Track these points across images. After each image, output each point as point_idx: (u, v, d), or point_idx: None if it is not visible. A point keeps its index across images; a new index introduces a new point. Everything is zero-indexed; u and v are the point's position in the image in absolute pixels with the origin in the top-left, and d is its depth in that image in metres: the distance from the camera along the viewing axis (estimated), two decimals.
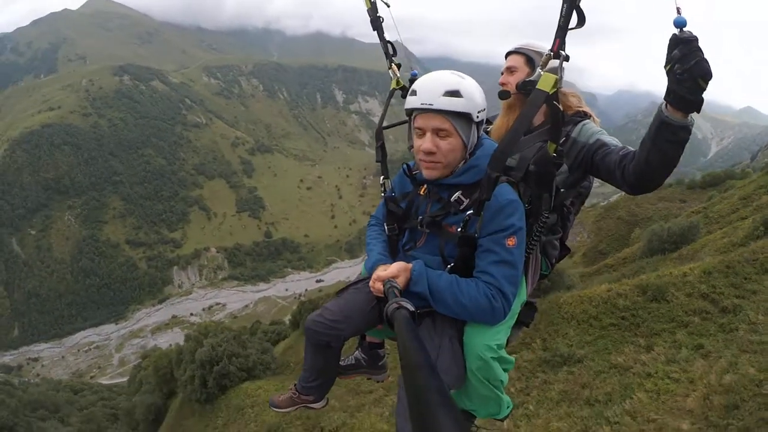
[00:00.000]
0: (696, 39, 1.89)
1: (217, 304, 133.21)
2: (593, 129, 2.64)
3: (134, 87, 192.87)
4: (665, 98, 2.04)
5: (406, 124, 2.45)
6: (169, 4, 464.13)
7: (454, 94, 2.17)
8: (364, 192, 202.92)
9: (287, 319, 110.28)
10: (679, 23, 1.87)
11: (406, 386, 1.05)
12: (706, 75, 1.89)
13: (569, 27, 2.05)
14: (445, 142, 2.23)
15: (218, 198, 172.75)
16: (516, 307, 2.43)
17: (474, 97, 2.22)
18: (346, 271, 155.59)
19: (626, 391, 9.32)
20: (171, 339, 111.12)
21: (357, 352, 3.22)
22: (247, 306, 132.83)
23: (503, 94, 2.73)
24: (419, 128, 2.26)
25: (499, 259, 2.23)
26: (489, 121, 2.98)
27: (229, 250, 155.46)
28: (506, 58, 2.83)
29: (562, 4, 2.01)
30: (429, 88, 2.20)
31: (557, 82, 2.15)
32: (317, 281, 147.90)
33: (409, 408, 0.97)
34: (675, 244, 20.43)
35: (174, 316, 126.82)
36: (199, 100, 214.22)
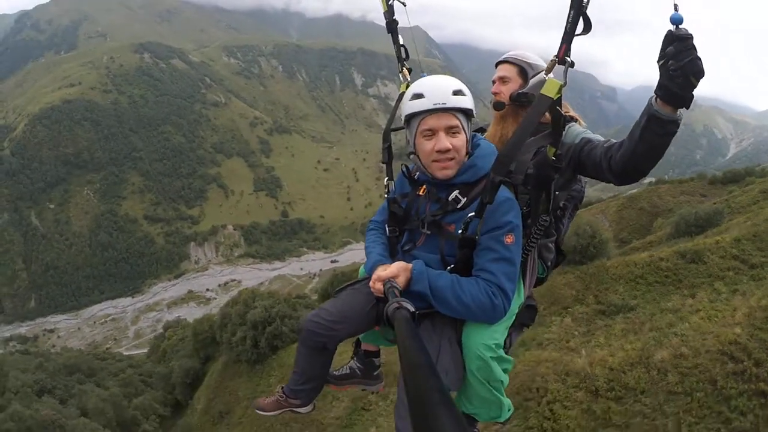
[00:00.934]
0: (691, 37, 1.91)
1: (233, 280, 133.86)
2: (578, 129, 2.68)
3: (154, 65, 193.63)
4: (656, 92, 2.07)
5: (407, 131, 2.44)
6: None
7: (460, 92, 2.26)
8: (381, 175, 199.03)
9: (308, 289, 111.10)
10: (676, 20, 1.89)
11: (407, 386, 1.04)
12: (698, 73, 1.92)
13: (576, 33, 2.08)
14: (457, 139, 2.28)
15: (236, 176, 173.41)
16: (514, 307, 2.45)
17: (470, 94, 2.31)
18: (361, 252, 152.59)
19: (681, 321, 11.17)
20: (187, 313, 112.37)
21: (352, 361, 3.19)
22: (262, 283, 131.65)
23: (498, 105, 2.78)
24: (430, 129, 2.29)
25: (498, 256, 2.26)
26: (482, 129, 3.03)
27: (246, 228, 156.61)
28: (496, 66, 2.87)
29: (569, 11, 2.04)
30: (439, 89, 2.27)
31: (561, 88, 2.19)
32: (332, 261, 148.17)
33: (409, 408, 0.97)
34: (701, 227, 21.69)
35: (190, 291, 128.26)
36: (218, 79, 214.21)
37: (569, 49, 2.16)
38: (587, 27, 2.06)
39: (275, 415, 3.07)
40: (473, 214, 2.25)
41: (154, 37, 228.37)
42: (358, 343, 3.12)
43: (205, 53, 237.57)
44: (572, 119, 2.73)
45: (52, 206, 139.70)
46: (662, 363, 8.95)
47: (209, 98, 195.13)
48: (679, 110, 2.09)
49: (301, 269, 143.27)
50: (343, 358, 3.23)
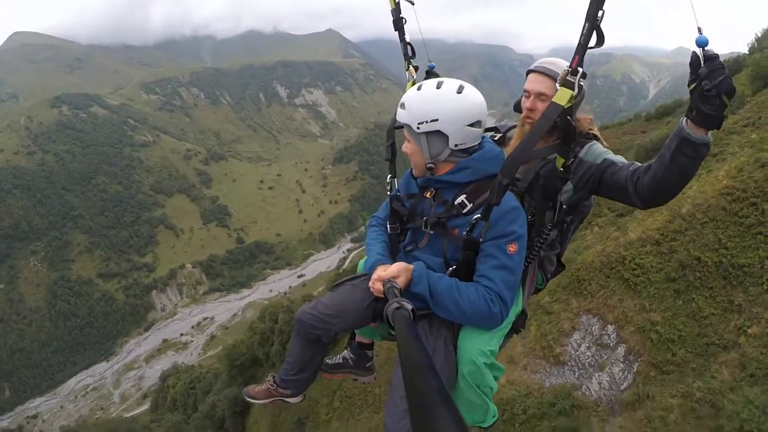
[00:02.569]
0: (718, 56, 1.94)
1: (205, 319, 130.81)
2: (600, 149, 2.64)
3: (74, 116, 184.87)
4: (687, 115, 2.09)
5: None
6: (93, 26, 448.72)
7: (402, 105, 2.36)
8: (326, 182, 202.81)
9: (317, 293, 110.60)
10: (701, 42, 1.92)
11: (407, 386, 1.05)
12: (730, 91, 1.93)
13: (589, 46, 2.12)
14: (408, 146, 2.44)
15: (182, 213, 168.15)
16: (512, 316, 2.47)
17: (414, 109, 2.32)
18: (326, 261, 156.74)
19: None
20: (168, 363, 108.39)
21: (345, 351, 3.25)
22: (235, 315, 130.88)
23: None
24: None
25: (499, 264, 2.26)
26: (496, 129, 3.08)
27: (205, 264, 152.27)
28: (527, 75, 2.82)
29: (584, 23, 2.06)
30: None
31: (573, 98, 2.20)
32: (299, 276, 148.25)
33: (409, 408, 0.98)
34: (658, 150, 23.52)
35: (164, 340, 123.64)
36: (142, 118, 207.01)
37: (582, 61, 2.19)
38: (600, 40, 2.08)
39: (265, 404, 3.13)
40: (479, 216, 2.27)
41: (68, 88, 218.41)
42: (352, 335, 3.22)
43: (123, 94, 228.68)
44: (594, 137, 2.72)
45: (1, 286, 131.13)
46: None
47: (137, 139, 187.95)
48: (710, 132, 2.09)
49: (270, 291, 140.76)
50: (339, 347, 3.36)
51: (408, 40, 3.19)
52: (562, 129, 2.32)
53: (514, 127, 2.98)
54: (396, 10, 3.12)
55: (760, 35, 35.41)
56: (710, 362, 10.35)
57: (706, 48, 1.94)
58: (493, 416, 2.50)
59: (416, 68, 3.14)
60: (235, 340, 46.61)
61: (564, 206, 2.61)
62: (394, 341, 2.55)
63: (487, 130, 2.92)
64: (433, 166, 2.40)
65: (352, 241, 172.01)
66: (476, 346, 2.31)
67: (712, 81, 1.93)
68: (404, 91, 2.81)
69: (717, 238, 12.06)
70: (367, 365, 3.25)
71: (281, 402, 3.08)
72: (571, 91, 2.21)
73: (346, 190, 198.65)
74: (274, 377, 2.98)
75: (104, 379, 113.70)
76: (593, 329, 13.00)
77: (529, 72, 2.81)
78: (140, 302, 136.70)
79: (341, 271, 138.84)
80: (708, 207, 12.80)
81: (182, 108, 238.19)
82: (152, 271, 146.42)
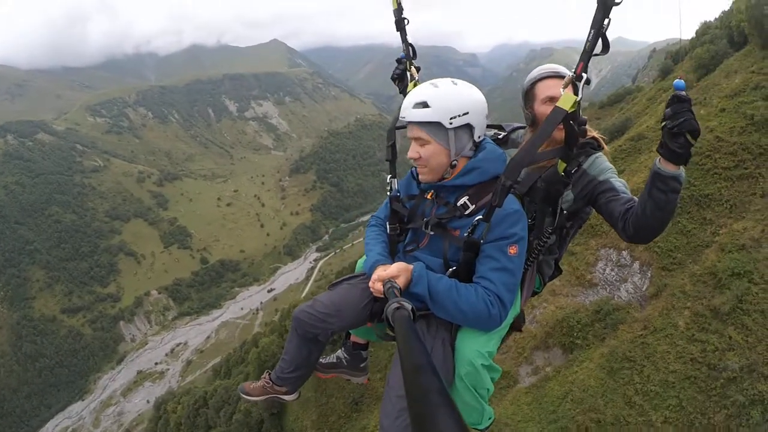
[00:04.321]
0: (690, 100, 2.07)
1: (178, 345, 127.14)
2: (604, 165, 2.71)
3: (20, 145, 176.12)
4: (658, 150, 2.20)
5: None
6: (31, 50, 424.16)
7: (423, 105, 2.30)
8: (285, 194, 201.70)
9: (257, 325, 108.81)
10: (678, 86, 2.08)
11: (407, 387, 1.05)
12: (694, 131, 2.07)
13: (594, 53, 2.18)
14: (424, 149, 2.37)
15: (141, 239, 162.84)
16: (510, 318, 2.49)
17: (444, 105, 2.30)
18: (294, 273, 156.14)
19: None
20: (146, 394, 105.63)
21: (340, 351, 3.29)
22: (209, 337, 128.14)
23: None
24: (410, 138, 2.43)
25: (499, 266, 2.28)
26: (500, 127, 3.15)
27: (171, 288, 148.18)
28: (536, 84, 2.86)
29: (590, 30, 2.12)
30: (405, 102, 2.39)
31: (576, 103, 2.25)
32: (269, 291, 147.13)
33: (409, 408, 0.98)
34: (621, 132, 29.92)
35: (139, 372, 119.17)
36: (90, 142, 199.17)
37: (586, 67, 2.26)
38: (605, 47, 2.16)
39: (259, 401, 3.17)
40: (480, 217, 2.31)
41: (10, 116, 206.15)
42: (348, 334, 3.24)
43: (68, 119, 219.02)
44: (597, 145, 2.79)
45: None
46: None
47: (87, 165, 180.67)
48: (680, 167, 2.20)
49: (242, 309, 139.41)
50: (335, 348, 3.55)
51: (410, 41, 3.19)
52: (566, 135, 2.37)
53: (520, 128, 3.07)
54: (398, 11, 3.10)
55: (699, 29, 39.46)
56: (699, 256, 15.96)
57: (679, 91, 2.07)
58: (489, 418, 2.52)
59: (418, 69, 3.18)
60: (262, 340, 46.33)
61: (564, 212, 2.67)
62: (390, 342, 2.66)
63: (491, 127, 3.07)
64: (457, 162, 2.42)
65: (318, 250, 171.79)
66: (474, 348, 2.33)
67: (674, 121, 2.07)
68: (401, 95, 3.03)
69: (687, 179, 16.57)
70: (361, 365, 3.28)
71: (276, 399, 3.14)
72: (575, 97, 2.24)
73: (306, 200, 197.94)
74: (269, 374, 3.02)
75: (82, 419, 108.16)
76: (611, 256, 18.45)
77: (536, 82, 2.85)
78: (109, 335, 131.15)
79: (311, 281, 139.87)
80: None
81: (130, 129, 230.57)
82: (117, 301, 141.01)
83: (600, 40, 2.14)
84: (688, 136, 2.11)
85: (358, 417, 24.70)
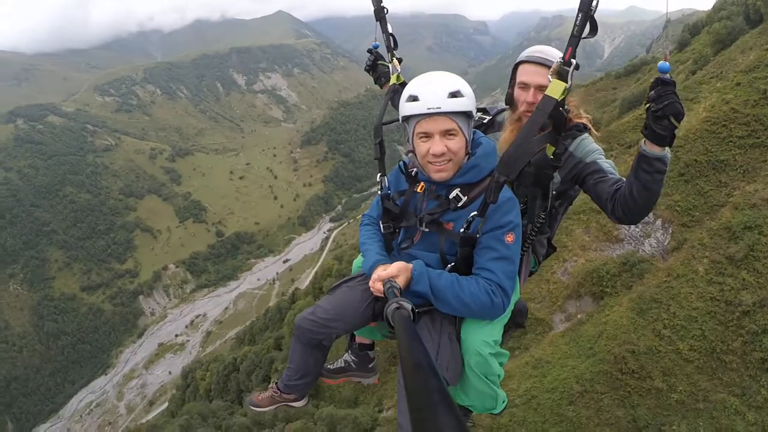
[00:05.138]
0: (673, 83, 2.07)
1: (197, 316, 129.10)
2: (591, 146, 2.66)
3: (31, 129, 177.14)
4: (642, 132, 2.21)
5: (404, 130, 2.46)
6: (34, 35, 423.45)
7: (457, 94, 2.23)
8: (297, 165, 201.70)
9: (273, 295, 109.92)
10: (662, 69, 2.07)
11: (406, 386, 1.05)
12: (677, 114, 2.07)
13: (582, 36, 2.15)
14: (453, 142, 2.29)
15: (156, 214, 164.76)
16: (511, 304, 2.49)
17: (471, 94, 2.29)
18: (308, 243, 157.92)
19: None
20: (168, 366, 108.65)
21: (346, 354, 3.23)
22: (227, 308, 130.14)
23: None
24: (425, 132, 2.29)
25: (498, 255, 2.28)
26: (485, 110, 3.09)
27: (188, 262, 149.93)
28: (519, 66, 2.78)
29: (577, 14, 2.09)
30: (433, 92, 2.24)
31: (566, 90, 2.24)
32: (284, 261, 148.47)
33: (409, 408, 0.97)
34: (640, 101, 30.63)
35: (160, 344, 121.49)
36: (100, 122, 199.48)
37: (575, 52, 2.20)
38: (593, 30, 2.12)
39: (269, 411, 3.15)
40: (476, 213, 2.27)
41: (19, 101, 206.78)
42: (352, 337, 3.19)
43: (77, 100, 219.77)
44: (584, 127, 2.71)
45: None
46: None
47: (98, 145, 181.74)
48: (665, 148, 2.20)
49: (258, 280, 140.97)
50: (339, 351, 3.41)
51: (390, 30, 3.09)
52: (554, 119, 2.34)
53: (504, 110, 2.97)
54: (377, 0, 3.02)
55: (716, 4, 42.00)
56: (715, 214, 17.53)
57: (663, 74, 2.07)
58: (503, 402, 2.50)
59: (400, 60, 3.10)
60: (299, 303, 47.26)
61: (553, 193, 2.61)
62: (396, 339, 2.77)
63: (477, 110, 2.90)
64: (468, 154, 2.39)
65: (332, 221, 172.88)
66: (480, 338, 2.33)
67: (658, 104, 2.07)
68: (367, 81, 2.88)
69: (704, 147, 19.90)
70: (370, 366, 3.24)
71: (286, 407, 3.11)
72: (564, 84, 2.22)
73: (318, 171, 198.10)
74: (276, 383, 2.99)
75: (106, 394, 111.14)
76: None
77: (519, 63, 2.77)
78: (128, 310, 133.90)
79: (326, 251, 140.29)
80: (696, 130, 20.62)
81: (140, 107, 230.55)
82: (135, 277, 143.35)
83: (588, 23, 2.11)
84: (672, 119, 2.10)
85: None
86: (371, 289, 2.31)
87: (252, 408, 3.11)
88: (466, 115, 2.29)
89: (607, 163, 2.60)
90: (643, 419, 14.34)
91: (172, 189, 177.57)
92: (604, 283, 18.91)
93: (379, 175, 2.73)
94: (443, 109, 2.23)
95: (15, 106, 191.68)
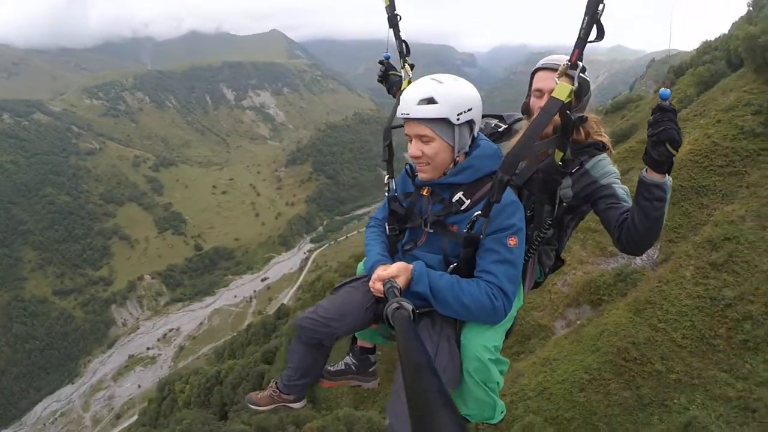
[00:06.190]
0: (673, 110, 2.09)
1: (170, 330, 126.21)
2: (608, 168, 2.65)
3: (16, 124, 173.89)
4: (643, 159, 2.23)
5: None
6: (28, 29, 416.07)
7: (429, 101, 2.23)
8: (281, 184, 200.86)
9: (249, 313, 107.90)
10: (664, 95, 2.09)
11: (407, 387, 1.05)
12: (673, 141, 2.07)
13: (589, 40, 2.11)
14: (428, 146, 2.31)
15: (135, 223, 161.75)
16: (513, 311, 2.46)
17: (451, 101, 2.25)
18: (288, 263, 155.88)
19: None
20: (138, 379, 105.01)
21: (347, 357, 3.24)
22: (201, 324, 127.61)
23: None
24: (407, 135, 2.37)
25: (500, 258, 2.26)
26: (501, 117, 3.09)
27: (164, 274, 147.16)
28: (534, 75, 2.82)
29: (584, 17, 2.06)
30: (406, 98, 2.29)
31: (572, 92, 2.21)
32: (262, 280, 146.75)
33: (409, 408, 0.97)
34: (627, 136, 33.34)
35: (130, 356, 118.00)
36: (86, 125, 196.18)
37: (582, 55, 2.20)
38: (600, 34, 2.08)
39: (268, 410, 3.16)
40: (479, 213, 2.28)
41: (6, 94, 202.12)
42: (354, 339, 3.20)
43: (65, 100, 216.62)
44: (603, 146, 2.72)
45: None
46: None
47: (82, 147, 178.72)
48: (666, 175, 2.22)
49: (235, 297, 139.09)
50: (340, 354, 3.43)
51: (403, 37, 3.12)
52: (562, 124, 2.34)
53: (521, 119, 2.99)
54: (390, 7, 3.06)
55: (700, 48, 45.69)
56: (698, 230, 19.85)
57: (663, 101, 2.08)
58: (501, 412, 2.47)
59: (412, 66, 3.13)
60: (297, 314, 46.09)
61: (564, 204, 2.63)
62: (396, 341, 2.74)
63: (492, 117, 3.06)
64: (459, 159, 2.39)
65: (312, 241, 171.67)
66: (480, 343, 2.30)
67: (654, 129, 2.09)
68: (387, 90, 3.22)
69: (689, 174, 22.30)
70: (370, 370, 3.24)
71: (284, 407, 3.11)
72: (570, 86, 2.20)
73: (301, 191, 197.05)
74: (276, 383, 2.99)
75: (72, 403, 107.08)
76: None
77: (536, 71, 2.81)
78: (100, 318, 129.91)
79: (305, 271, 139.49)
80: (681, 160, 22.86)
81: (127, 113, 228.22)
82: (110, 285, 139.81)
83: (595, 27, 2.07)
84: (668, 146, 2.10)
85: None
86: (371, 288, 2.31)
87: (251, 406, 3.12)
88: (444, 121, 2.27)
89: (621, 189, 2.61)
90: (647, 397, 17.03)
91: (154, 198, 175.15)
92: (601, 292, 21.75)
93: (387, 177, 2.79)
94: (411, 116, 2.26)
95: (2, 99, 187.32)
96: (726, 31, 45.37)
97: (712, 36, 45.94)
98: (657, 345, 17.91)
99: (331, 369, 3.13)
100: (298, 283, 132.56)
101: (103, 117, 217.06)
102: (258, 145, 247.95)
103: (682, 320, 18.10)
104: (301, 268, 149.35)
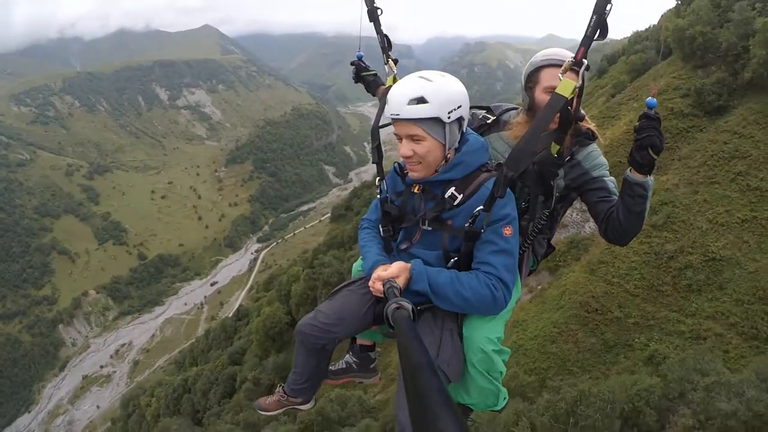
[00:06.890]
0: (658, 119, 2.24)
1: (122, 345, 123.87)
2: (599, 160, 2.73)
3: None
4: (627, 160, 2.39)
5: None
6: None
7: (420, 101, 2.22)
8: (222, 185, 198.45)
9: (202, 320, 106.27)
10: (650, 104, 2.24)
11: (407, 386, 1.06)
12: (654, 146, 2.23)
13: (594, 38, 2.16)
14: (420, 146, 2.31)
15: (74, 236, 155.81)
16: (512, 302, 2.51)
17: (442, 99, 2.24)
18: (236, 265, 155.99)
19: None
20: (96, 400, 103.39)
21: (348, 356, 3.25)
22: (153, 335, 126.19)
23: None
24: (396, 135, 2.37)
25: (497, 248, 2.30)
26: (489, 108, 3.03)
27: (109, 287, 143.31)
28: (540, 70, 2.72)
29: (591, 15, 2.10)
30: (395, 99, 2.27)
31: (576, 89, 2.25)
32: (212, 284, 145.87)
33: (409, 408, 0.98)
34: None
35: (84, 377, 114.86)
36: (15, 134, 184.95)
37: (587, 52, 2.23)
38: (604, 33, 2.11)
39: (277, 414, 3.20)
40: (481, 207, 2.29)
41: None
42: (353, 338, 3.20)
43: None
44: (592, 135, 2.75)
45: None
46: None
47: (12, 158, 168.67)
48: (647, 176, 2.37)
49: (185, 304, 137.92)
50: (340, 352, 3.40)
51: (384, 31, 3.10)
52: (560, 118, 2.35)
53: (510, 109, 2.99)
54: (370, 0, 3.03)
55: (631, 37, 51.43)
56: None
57: (649, 110, 2.23)
58: (504, 398, 2.49)
59: (396, 61, 3.09)
60: (264, 310, 47.57)
61: (556, 194, 2.67)
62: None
63: (479, 108, 3.03)
64: (450, 156, 2.41)
65: (259, 241, 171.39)
66: (483, 334, 2.34)
67: (639, 135, 2.26)
68: (374, 85, 3.23)
69: (625, 151, 30.55)
70: (371, 366, 3.27)
71: (293, 410, 3.17)
72: (574, 83, 2.23)
73: (243, 190, 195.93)
74: (283, 387, 3.02)
75: None
76: (576, 204, 32.77)
77: (538, 69, 2.73)
78: (48, 340, 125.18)
79: (254, 272, 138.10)
80: (618, 138, 26.39)
81: (57, 119, 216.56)
82: (54, 304, 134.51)
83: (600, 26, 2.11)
84: (650, 151, 2.24)
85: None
86: (371, 289, 2.31)
87: (260, 412, 3.16)
88: (435, 120, 2.26)
89: (611, 183, 2.69)
90: (612, 341, 20.38)
91: (90, 208, 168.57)
92: (557, 259, 25.19)
93: (377, 179, 2.79)
94: (402, 116, 2.25)
95: None
96: (655, 23, 51.37)
97: (641, 26, 51.07)
98: (614, 296, 21.66)
99: (333, 368, 3.15)
100: (249, 285, 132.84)
101: (32, 125, 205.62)
102: (195, 145, 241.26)
103: (633, 274, 21.98)
104: (250, 269, 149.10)
